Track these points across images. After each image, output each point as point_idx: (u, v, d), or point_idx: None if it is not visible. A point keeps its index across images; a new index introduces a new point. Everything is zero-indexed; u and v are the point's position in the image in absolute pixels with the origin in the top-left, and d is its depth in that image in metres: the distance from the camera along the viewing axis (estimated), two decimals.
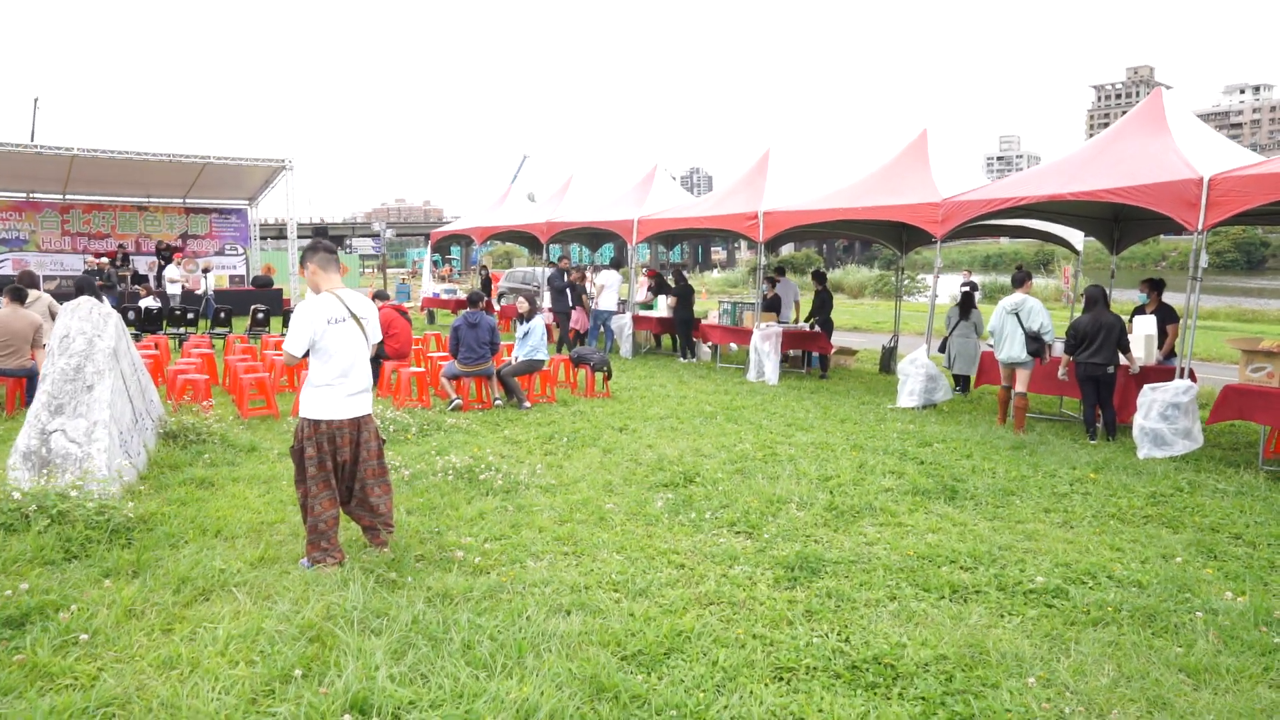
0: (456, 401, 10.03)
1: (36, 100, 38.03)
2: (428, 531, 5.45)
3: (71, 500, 5.02)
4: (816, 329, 13.83)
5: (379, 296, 11.97)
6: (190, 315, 15.89)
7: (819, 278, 14.60)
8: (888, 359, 14.17)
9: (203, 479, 6.44)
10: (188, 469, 6.76)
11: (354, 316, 4.84)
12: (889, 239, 14.25)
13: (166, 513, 5.55)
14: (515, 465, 7.28)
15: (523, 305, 10.84)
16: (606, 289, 15.65)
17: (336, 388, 4.77)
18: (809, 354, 14.18)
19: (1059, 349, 9.55)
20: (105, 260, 20.99)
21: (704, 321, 14.99)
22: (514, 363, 10.61)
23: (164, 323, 15.34)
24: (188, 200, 25.32)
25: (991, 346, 9.63)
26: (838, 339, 15.33)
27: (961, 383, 11.96)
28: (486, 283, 22.59)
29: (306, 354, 4.77)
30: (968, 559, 5.07)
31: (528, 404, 10.23)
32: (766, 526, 5.70)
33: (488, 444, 8.18)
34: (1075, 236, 12.54)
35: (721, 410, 10.09)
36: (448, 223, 31.20)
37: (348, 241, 78.52)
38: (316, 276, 4.89)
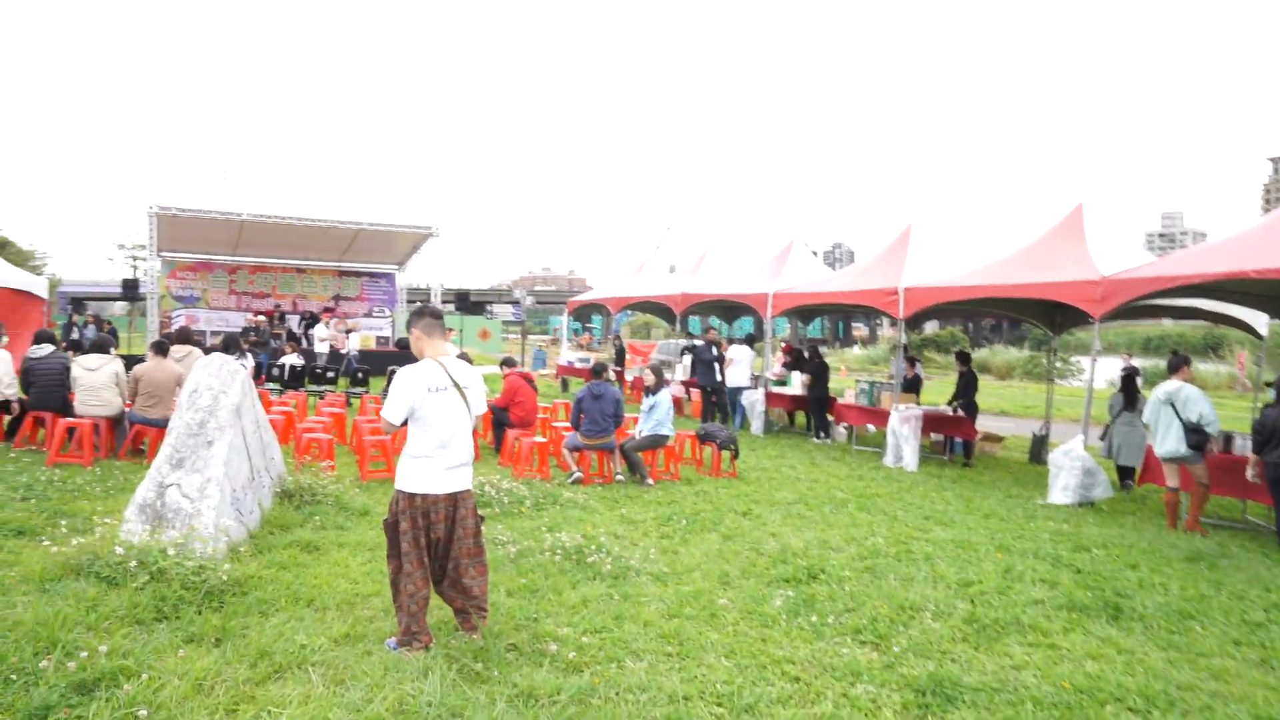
0: (577, 474, 9.76)
1: (224, 173, 41.58)
2: (524, 617, 5.09)
3: (169, 559, 4.94)
4: (960, 413, 12.96)
5: (507, 363, 11.94)
6: (331, 374, 16.38)
7: (963, 358, 13.74)
8: (1039, 448, 13.09)
9: (308, 542, 6.32)
10: (297, 530, 6.67)
11: (456, 385, 4.60)
12: (1040, 318, 13.32)
13: (264, 576, 5.41)
14: (628, 548, 6.88)
15: (649, 378, 10.54)
16: (736, 363, 15.31)
17: (435, 459, 4.52)
18: (951, 439, 13.29)
19: (1241, 446, 8.49)
20: (262, 318, 22.12)
21: (840, 400, 14.33)
22: (638, 437, 10.29)
23: (306, 380, 15.85)
24: (341, 264, 26.58)
25: None
26: (983, 424, 14.32)
27: (1125, 475, 10.88)
28: (621, 353, 22.56)
29: (405, 422, 4.56)
30: (1138, 699, 4.29)
31: (650, 481, 9.85)
32: (896, 637, 5.07)
33: (602, 522, 7.82)
34: (1258, 319, 11.31)
35: (854, 498, 9.43)
36: (589, 290, 31.61)
37: (489, 307, 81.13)
38: (421, 342, 4.70)
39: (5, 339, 9.47)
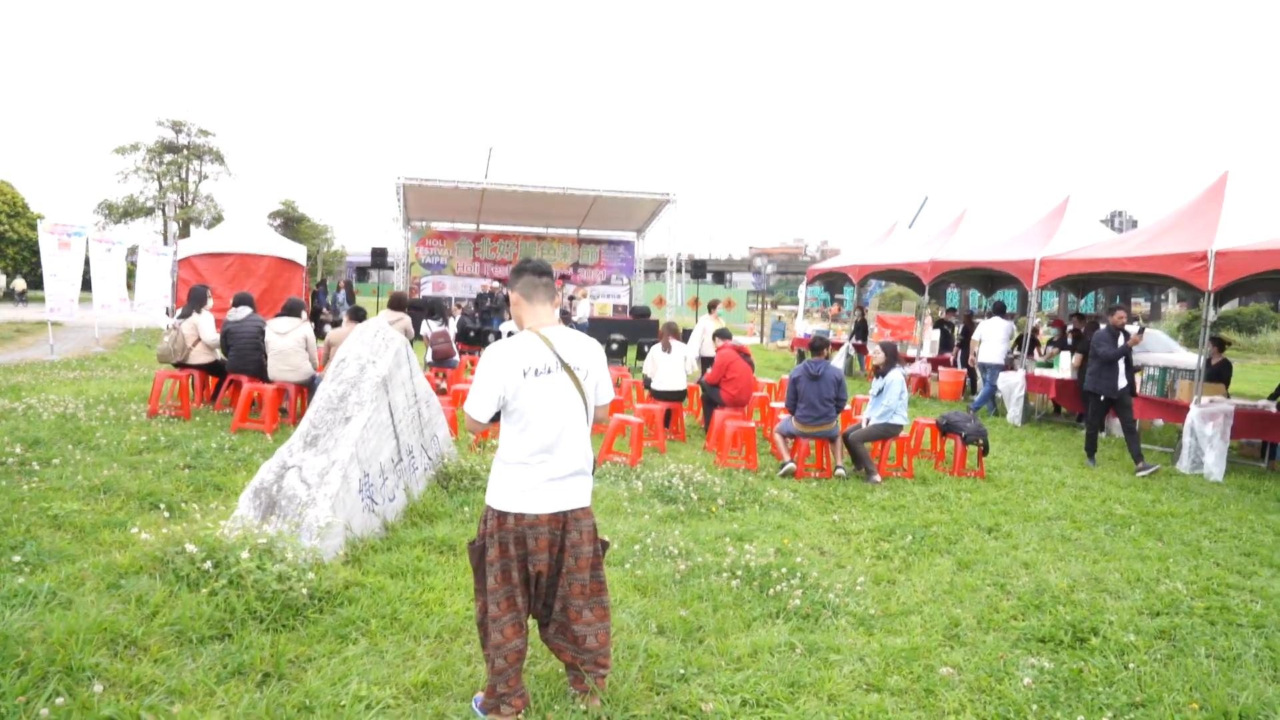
0: (789, 466, 8.36)
1: (490, 149, 43.52)
2: (667, 673, 3.82)
3: (243, 562, 4.11)
4: None
5: (720, 335, 10.64)
6: None
7: None
8: None
9: (443, 541, 5.37)
10: (440, 523, 5.77)
11: (565, 366, 3.36)
12: None
13: (368, 586, 4.49)
14: (830, 572, 5.42)
15: (878, 356, 8.88)
16: (989, 340, 13.28)
17: (534, 468, 3.30)
18: (1274, 445, 10.46)
19: None
20: (497, 284, 22.29)
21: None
22: (865, 425, 8.70)
23: None
24: (580, 231, 26.45)
25: None
26: None
27: None
28: (862, 326, 20.62)
29: (497, 417, 3.38)
30: None
31: (877, 477, 8.27)
32: None
33: (806, 531, 6.38)
34: None
35: (1139, 515, 7.34)
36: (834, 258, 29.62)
37: (728, 277, 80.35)
38: (520, 308, 3.48)
39: (211, 302, 9.40)
